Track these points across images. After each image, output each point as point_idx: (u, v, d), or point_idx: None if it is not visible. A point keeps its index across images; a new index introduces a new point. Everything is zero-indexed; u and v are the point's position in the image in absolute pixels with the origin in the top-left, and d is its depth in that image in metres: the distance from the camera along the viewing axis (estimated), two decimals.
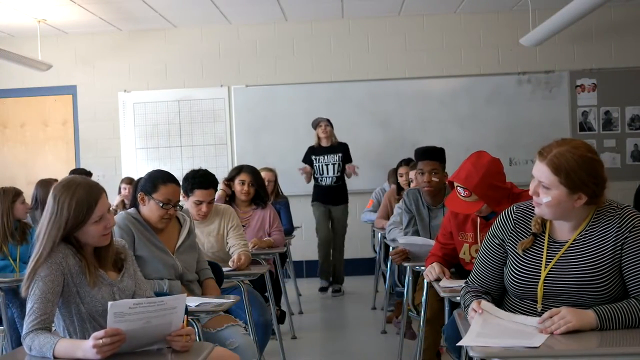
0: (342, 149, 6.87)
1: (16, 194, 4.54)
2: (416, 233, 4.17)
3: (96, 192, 2.28)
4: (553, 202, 2.13)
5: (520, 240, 2.27)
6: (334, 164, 6.85)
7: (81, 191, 2.25)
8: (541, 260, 2.21)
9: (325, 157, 6.85)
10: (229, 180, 4.92)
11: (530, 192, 2.21)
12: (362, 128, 7.95)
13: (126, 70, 8.27)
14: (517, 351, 1.84)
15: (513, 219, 2.32)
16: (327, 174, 6.86)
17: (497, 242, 2.34)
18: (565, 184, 2.11)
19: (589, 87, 8.07)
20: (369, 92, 8.09)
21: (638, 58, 8.01)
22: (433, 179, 4.02)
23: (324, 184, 6.90)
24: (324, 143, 6.85)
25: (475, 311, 2.11)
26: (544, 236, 2.24)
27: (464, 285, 2.44)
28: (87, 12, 7.23)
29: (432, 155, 4.08)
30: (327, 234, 6.93)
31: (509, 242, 2.31)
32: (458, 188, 3.16)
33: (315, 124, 6.88)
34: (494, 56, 8.12)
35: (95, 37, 8.22)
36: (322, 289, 7.03)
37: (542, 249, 2.22)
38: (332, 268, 7.01)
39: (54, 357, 2.04)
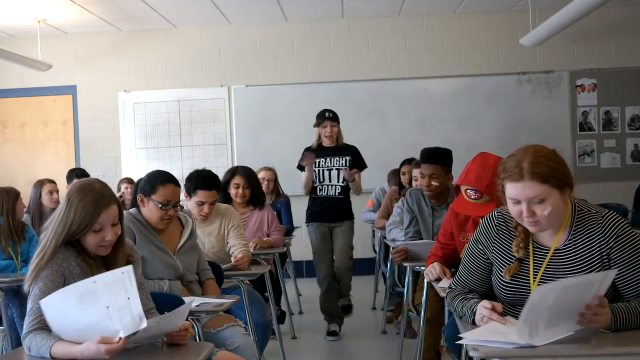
0: (350, 152, 5.32)
1: (16, 194, 4.60)
2: (417, 233, 4.15)
3: (104, 201, 2.23)
4: (554, 210, 2.11)
5: (503, 246, 2.26)
6: (339, 169, 5.26)
7: (90, 197, 2.22)
8: (529, 268, 2.20)
9: (328, 160, 5.30)
10: (224, 184, 4.86)
11: (522, 216, 2.13)
12: (362, 128, 7.94)
13: (126, 70, 8.27)
14: (518, 351, 1.84)
15: (495, 225, 2.30)
16: (330, 181, 5.29)
17: (480, 247, 2.33)
18: (555, 185, 2.10)
19: (589, 87, 8.08)
20: (369, 92, 8.09)
21: (638, 58, 8.01)
22: (433, 183, 3.96)
23: (325, 194, 5.30)
24: (327, 143, 5.34)
25: (489, 309, 2.07)
26: (528, 248, 2.22)
27: (448, 291, 2.41)
28: (87, 12, 7.24)
29: (433, 159, 3.99)
30: (330, 265, 5.30)
31: (493, 249, 2.29)
32: (468, 191, 3.15)
33: (318, 122, 5.35)
34: (494, 56, 8.12)
35: (95, 37, 8.22)
36: (332, 334, 5.26)
37: (528, 256, 2.21)
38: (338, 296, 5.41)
39: (52, 358, 2.04)
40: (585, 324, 1.95)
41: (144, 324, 1.99)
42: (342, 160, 5.29)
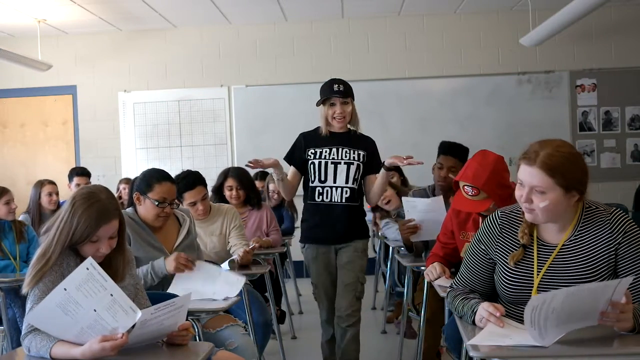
0: (367, 145, 3.87)
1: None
2: None
3: (107, 216, 2.21)
4: (550, 206, 2.10)
5: (506, 246, 2.26)
6: (348, 164, 3.77)
7: (94, 209, 2.20)
8: (532, 265, 2.19)
9: (334, 150, 3.80)
10: (218, 187, 4.87)
11: (521, 200, 2.15)
12: (362, 128, 7.90)
13: (126, 70, 8.27)
14: (519, 351, 1.84)
15: (498, 224, 2.30)
16: (336, 181, 3.76)
17: (482, 247, 2.32)
18: (562, 184, 2.09)
19: (589, 87, 8.08)
20: (369, 92, 8.08)
21: (638, 58, 8.01)
22: (450, 175, 4.00)
23: (327, 200, 3.75)
24: (337, 128, 3.84)
25: (492, 314, 2.05)
26: (533, 240, 2.22)
27: (449, 290, 2.40)
28: (87, 12, 7.24)
29: (455, 152, 4.05)
30: (332, 297, 3.90)
31: (496, 248, 2.28)
32: (465, 187, 3.16)
33: (324, 99, 3.81)
34: (494, 56, 8.12)
35: (95, 37, 8.22)
36: None
37: (532, 253, 2.20)
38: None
39: (52, 359, 2.04)
40: (609, 322, 1.91)
41: (139, 314, 1.99)
42: (355, 153, 3.79)
